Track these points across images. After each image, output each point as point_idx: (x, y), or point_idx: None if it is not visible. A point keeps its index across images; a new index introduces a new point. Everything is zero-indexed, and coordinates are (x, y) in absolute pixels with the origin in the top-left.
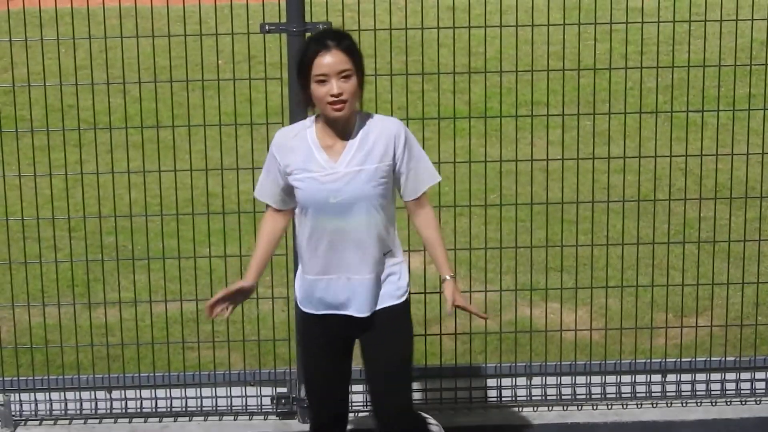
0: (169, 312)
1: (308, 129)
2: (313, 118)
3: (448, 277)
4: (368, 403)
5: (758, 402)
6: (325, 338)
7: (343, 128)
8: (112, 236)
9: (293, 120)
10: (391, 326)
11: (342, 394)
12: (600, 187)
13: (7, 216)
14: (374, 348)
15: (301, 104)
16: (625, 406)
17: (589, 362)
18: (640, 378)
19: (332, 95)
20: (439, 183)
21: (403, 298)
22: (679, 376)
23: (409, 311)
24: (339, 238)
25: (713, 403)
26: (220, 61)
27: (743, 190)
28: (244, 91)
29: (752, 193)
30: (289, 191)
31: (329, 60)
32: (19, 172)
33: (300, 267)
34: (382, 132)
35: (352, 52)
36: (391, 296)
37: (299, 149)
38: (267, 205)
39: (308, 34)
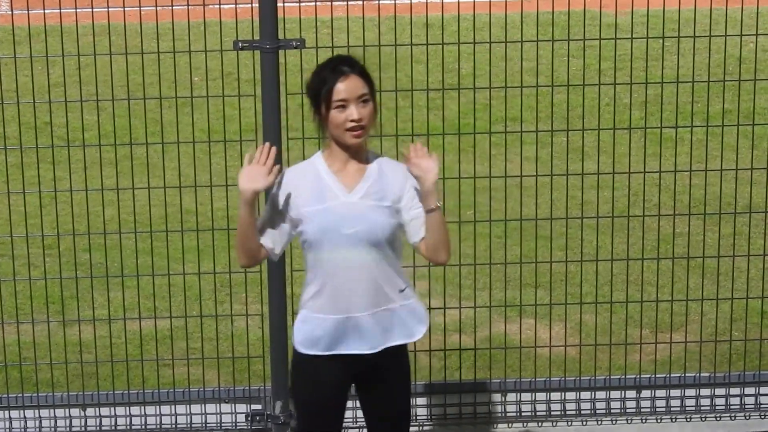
0: (144, 329)
1: (317, 163)
2: (319, 153)
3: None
4: None
5: (733, 418)
6: (334, 379)
7: (355, 157)
8: (87, 253)
9: (267, 137)
10: (396, 366)
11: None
12: (575, 203)
13: None
14: (380, 389)
15: (320, 131)
16: (599, 422)
17: (564, 378)
18: (615, 394)
19: (352, 120)
20: None
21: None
22: (654, 392)
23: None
24: (354, 275)
25: (688, 419)
26: (195, 78)
27: (718, 206)
28: (219, 107)
29: (727, 208)
30: (289, 233)
31: (348, 85)
32: None
33: (304, 309)
34: (396, 174)
35: (367, 77)
36: (402, 335)
37: (309, 186)
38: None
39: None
